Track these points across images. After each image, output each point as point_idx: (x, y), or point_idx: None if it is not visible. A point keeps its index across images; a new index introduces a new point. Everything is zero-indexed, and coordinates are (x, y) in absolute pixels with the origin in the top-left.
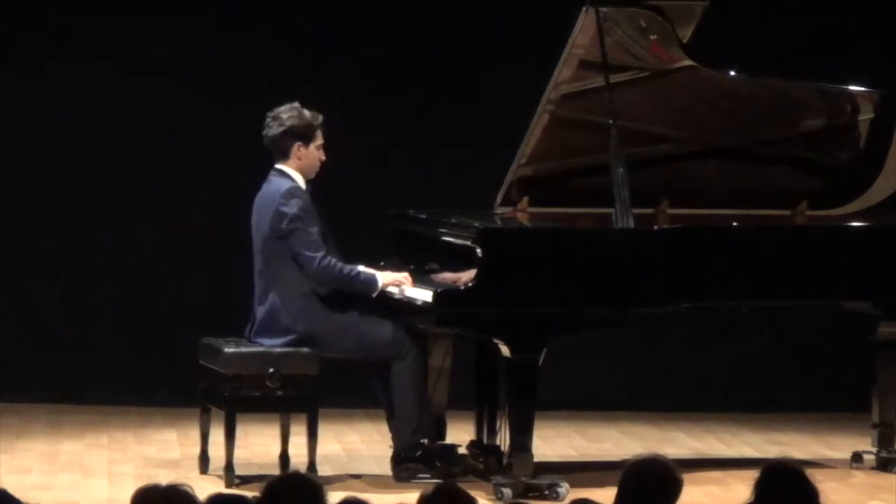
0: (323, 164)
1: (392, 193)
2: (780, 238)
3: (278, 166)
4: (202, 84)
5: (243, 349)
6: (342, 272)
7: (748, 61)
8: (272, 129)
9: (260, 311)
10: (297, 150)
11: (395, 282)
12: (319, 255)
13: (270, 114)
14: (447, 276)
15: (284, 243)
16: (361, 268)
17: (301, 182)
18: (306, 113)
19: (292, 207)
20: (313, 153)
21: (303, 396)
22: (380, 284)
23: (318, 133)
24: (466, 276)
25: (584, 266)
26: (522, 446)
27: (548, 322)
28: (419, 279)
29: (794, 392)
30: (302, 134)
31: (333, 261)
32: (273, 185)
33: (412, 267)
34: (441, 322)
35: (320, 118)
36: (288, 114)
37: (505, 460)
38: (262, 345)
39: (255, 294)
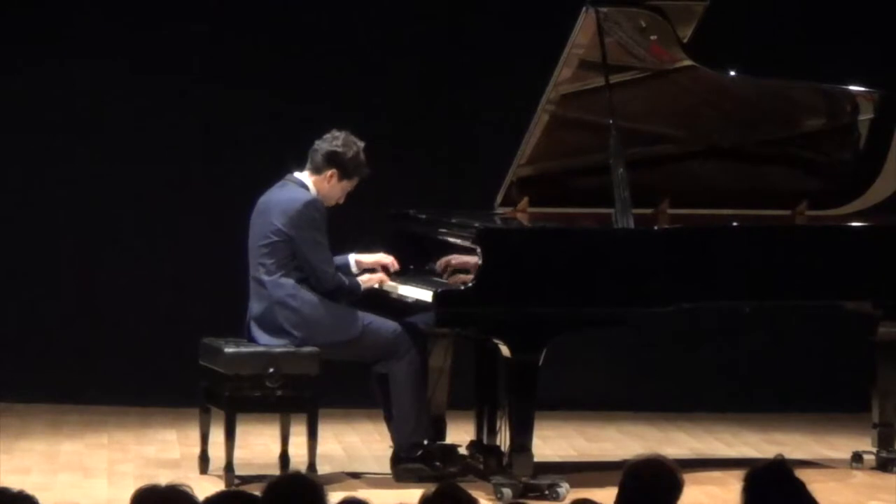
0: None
1: (392, 193)
2: (780, 238)
3: (299, 176)
4: (203, 86)
5: (243, 349)
6: (344, 286)
7: (748, 61)
8: (328, 143)
9: (255, 309)
10: (331, 177)
11: (374, 280)
12: (332, 270)
13: (338, 132)
14: (457, 260)
15: (290, 246)
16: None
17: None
18: (363, 156)
19: (318, 219)
20: (338, 190)
21: (303, 396)
22: (362, 288)
23: (356, 179)
24: (467, 270)
25: (584, 266)
26: (522, 446)
27: (548, 322)
28: (420, 279)
29: (794, 392)
30: (346, 168)
31: (339, 276)
32: (291, 192)
33: (412, 267)
34: (441, 322)
35: (367, 172)
36: (349, 144)
37: (505, 460)
38: (259, 342)
39: (250, 291)
